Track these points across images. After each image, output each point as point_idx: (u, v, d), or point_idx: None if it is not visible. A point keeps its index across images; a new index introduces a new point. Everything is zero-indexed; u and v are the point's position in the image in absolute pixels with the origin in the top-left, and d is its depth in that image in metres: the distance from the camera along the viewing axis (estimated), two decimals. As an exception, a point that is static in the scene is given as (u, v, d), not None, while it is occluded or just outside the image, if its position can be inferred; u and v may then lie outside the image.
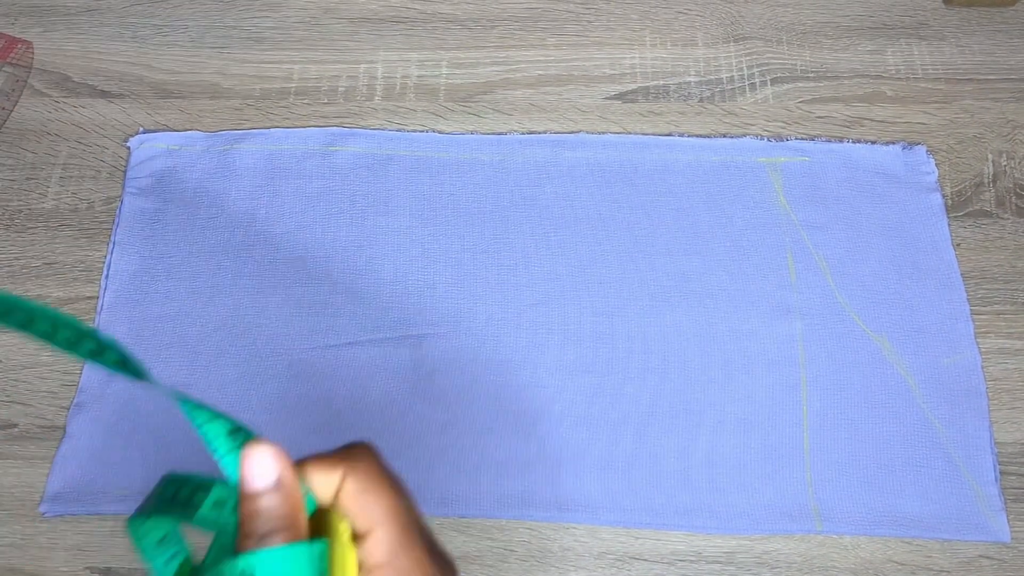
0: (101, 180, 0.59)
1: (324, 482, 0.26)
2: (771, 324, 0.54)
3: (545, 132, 0.60)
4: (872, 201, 0.57)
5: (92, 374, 0.53)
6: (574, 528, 0.49)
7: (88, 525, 0.49)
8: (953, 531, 0.48)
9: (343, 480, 0.26)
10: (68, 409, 0.52)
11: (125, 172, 0.59)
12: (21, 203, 0.59)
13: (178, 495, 0.25)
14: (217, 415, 0.26)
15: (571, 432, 0.51)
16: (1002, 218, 0.58)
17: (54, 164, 0.60)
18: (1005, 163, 0.59)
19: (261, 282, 0.55)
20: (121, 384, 0.52)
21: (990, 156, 0.60)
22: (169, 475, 0.26)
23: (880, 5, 0.65)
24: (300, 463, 0.26)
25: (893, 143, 0.59)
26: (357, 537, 0.26)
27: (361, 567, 0.26)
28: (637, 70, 0.63)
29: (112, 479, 0.50)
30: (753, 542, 0.49)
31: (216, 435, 0.25)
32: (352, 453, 0.27)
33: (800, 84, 0.62)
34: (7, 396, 0.53)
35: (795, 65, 0.63)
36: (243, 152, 0.60)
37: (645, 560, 0.49)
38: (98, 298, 0.55)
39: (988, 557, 0.48)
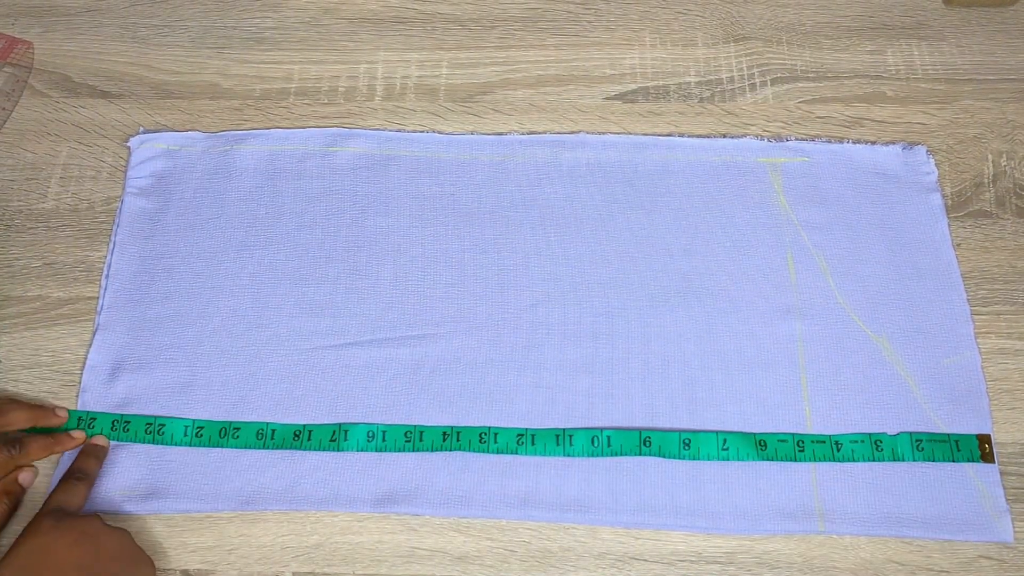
0: (101, 180, 0.59)
1: None
2: (771, 324, 0.54)
3: (545, 132, 0.60)
4: (872, 201, 0.57)
5: (92, 375, 0.53)
6: (574, 528, 0.49)
7: (88, 525, 0.49)
8: (957, 531, 0.48)
9: None
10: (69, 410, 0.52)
11: (125, 172, 0.59)
12: (21, 203, 0.59)
13: None
14: None
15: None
16: (1002, 218, 0.58)
17: (54, 164, 0.60)
18: (1005, 163, 0.59)
19: (261, 282, 0.55)
20: (122, 386, 0.52)
21: (990, 156, 0.60)
22: None
23: (880, 5, 0.65)
24: None
25: (893, 143, 0.59)
26: None
27: None
28: (637, 70, 0.63)
29: (114, 480, 0.50)
30: (753, 542, 0.49)
31: None
32: None
33: (800, 84, 0.62)
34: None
35: (795, 65, 0.63)
36: (243, 152, 0.60)
37: (645, 560, 0.49)
38: (98, 298, 0.55)
39: (988, 557, 0.48)
